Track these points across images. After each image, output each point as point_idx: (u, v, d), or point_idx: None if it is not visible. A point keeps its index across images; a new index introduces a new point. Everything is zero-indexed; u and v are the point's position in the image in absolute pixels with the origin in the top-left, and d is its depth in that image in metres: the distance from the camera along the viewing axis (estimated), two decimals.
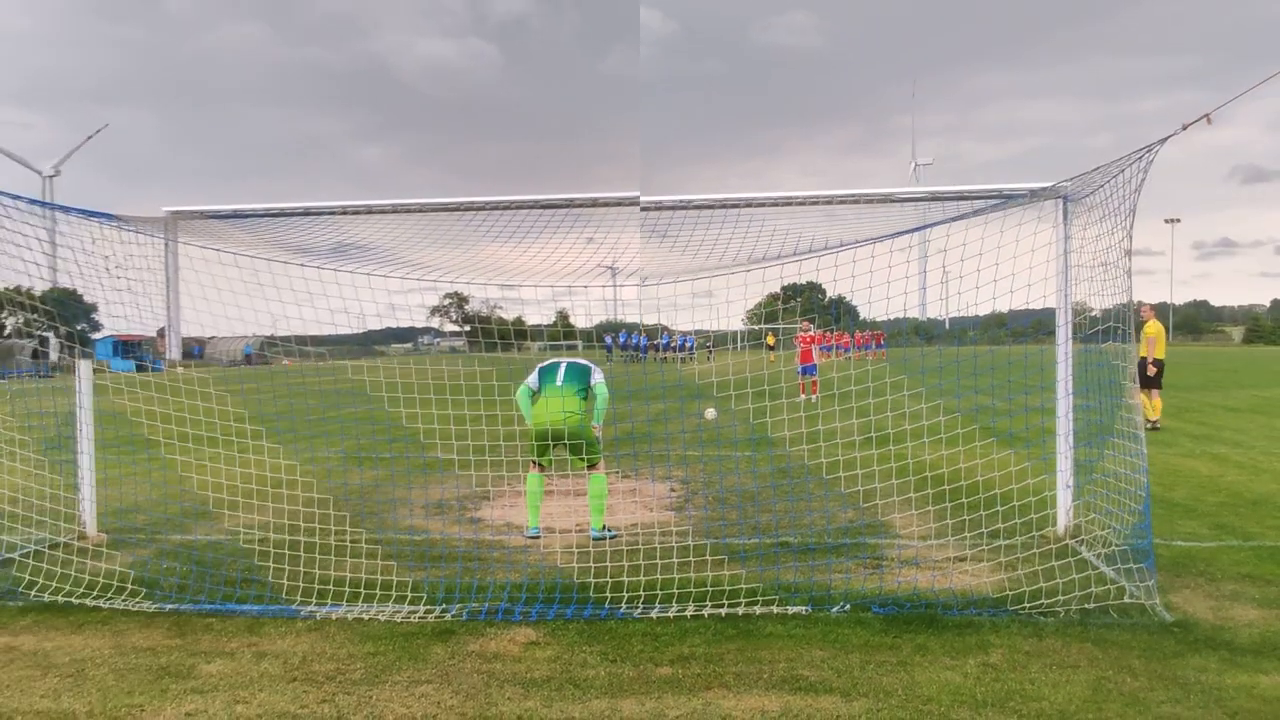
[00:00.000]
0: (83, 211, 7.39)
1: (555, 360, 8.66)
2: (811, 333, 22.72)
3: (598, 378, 8.53)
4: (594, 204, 7.41)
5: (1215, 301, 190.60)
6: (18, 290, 8.45)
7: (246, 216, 7.93)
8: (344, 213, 7.78)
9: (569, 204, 7.48)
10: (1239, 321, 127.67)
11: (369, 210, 7.74)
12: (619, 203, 7.33)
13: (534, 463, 8.52)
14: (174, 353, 8.34)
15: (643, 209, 7.32)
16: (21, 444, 8.05)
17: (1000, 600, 6.12)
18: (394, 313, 8.77)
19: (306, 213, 7.79)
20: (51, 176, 69.05)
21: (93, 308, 9.93)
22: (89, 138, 73.00)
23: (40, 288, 8.26)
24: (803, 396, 20.95)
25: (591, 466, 8.36)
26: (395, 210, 7.72)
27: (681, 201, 7.33)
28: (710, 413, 17.21)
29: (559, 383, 8.42)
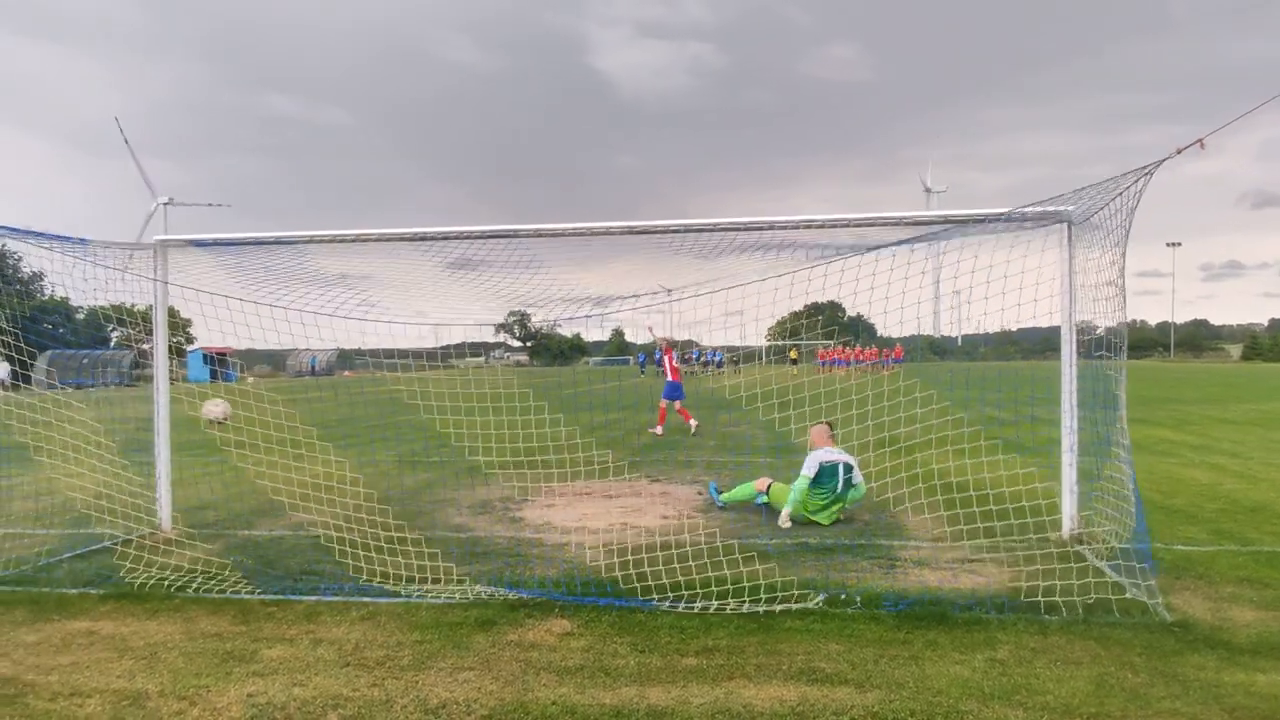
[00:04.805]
0: (58, 237, 7.29)
1: (835, 460, 8.61)
2: (670, 345, 17.73)
3: (859, 477, 8.68)
4: (629, 231, 7.33)
5: (1215, 321, 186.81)
6: (120, 306, 8.55)
7: (227, 245, 7.91)
8: (310, 240, 7.68)
9: (607, 231, 7.39)
10: (1238, 339, 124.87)
11: (334, 239, 7.60)
12: (657, 229, 7.27)
13: (766, 500, 9.06)
14: (161, 370, 8.25)
15: (678, 232, 7.28)
16: (107, 447, 8.18)
17: (1007, 599, 6.00)
18: (466, 332, 8.93)
19: (278, 241, 7.71)
20: (166, 204, 71.11)
21: (188, 322, 10.07)
22: (125, 140, 76.02)
23: (142, 304, 8.36)
24: (657, 429, 16.46)
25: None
26: (415, 238, 7.57)
27: (710, 224, 7.27)
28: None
29: (839, 489, 8.56)
